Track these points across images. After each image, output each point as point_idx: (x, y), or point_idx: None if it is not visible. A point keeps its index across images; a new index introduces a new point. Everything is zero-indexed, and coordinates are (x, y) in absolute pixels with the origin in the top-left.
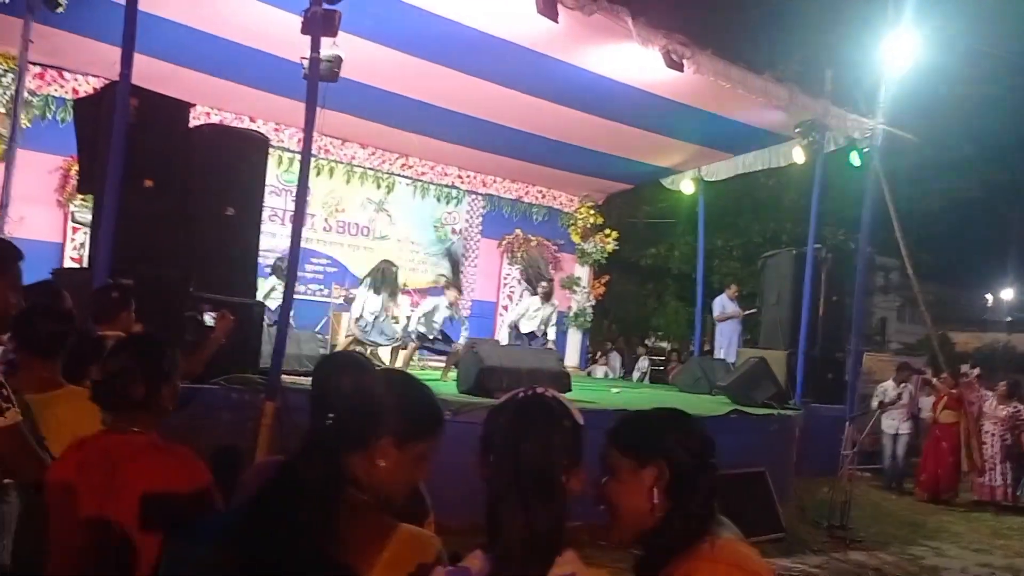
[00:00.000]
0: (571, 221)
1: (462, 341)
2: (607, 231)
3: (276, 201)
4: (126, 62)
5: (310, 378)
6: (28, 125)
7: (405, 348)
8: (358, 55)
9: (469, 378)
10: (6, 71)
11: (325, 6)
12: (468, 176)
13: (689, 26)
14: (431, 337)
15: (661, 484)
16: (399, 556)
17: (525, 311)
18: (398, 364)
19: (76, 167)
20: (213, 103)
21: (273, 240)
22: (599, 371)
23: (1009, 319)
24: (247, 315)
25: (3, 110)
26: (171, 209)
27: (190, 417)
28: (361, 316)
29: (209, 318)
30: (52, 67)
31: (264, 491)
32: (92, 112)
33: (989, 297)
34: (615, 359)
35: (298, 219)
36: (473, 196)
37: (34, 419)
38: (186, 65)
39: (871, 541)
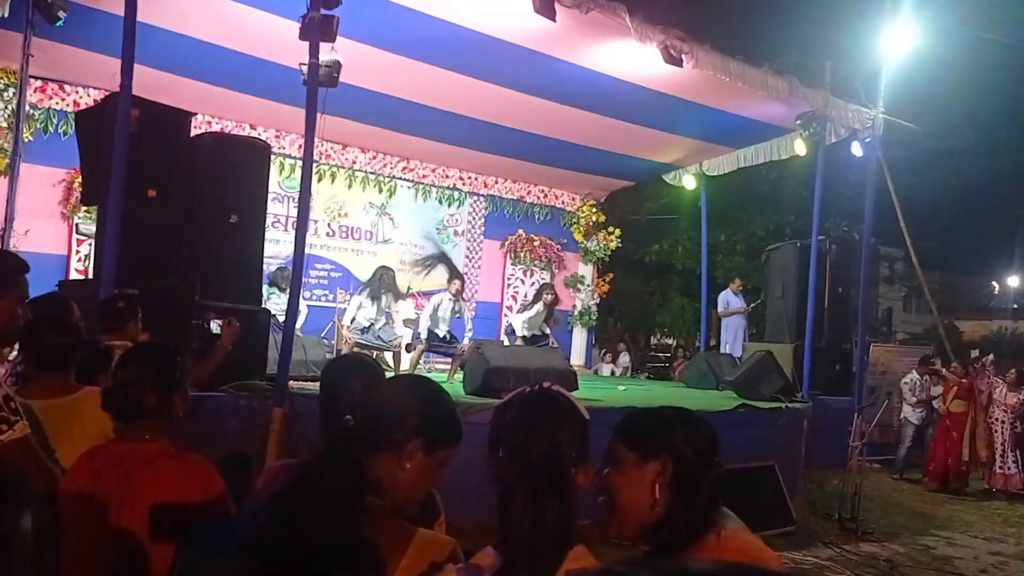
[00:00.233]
0: (573, 220)
1: (467, 341)
2: (610, 229)
3: (279, 208)
4: (126, 73)
5: (317, 382)
6: (30, 139)
7: (410, 351)
8: (357, 59)
9: (476, 379)
10: (7, 86)
11: (323, 11)
12: (469, 177)
13: (687, 21)
14: (441, 335)
15: (664, 480)
16: (417, 561)
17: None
18: (404, 367)
19: (79, 179)
20: (214, 111)
21: (277, 247)
22: (605, 369)
23: (1015, 306)
24: (253, 322)
25: (5, 124)
26: (175, 218)
27: (198, 424)
28: (354, 319)
29: (215, 326)
30: (53, 80)
31: (283, 496)
32: (93, 124)
33: (995, 285)
34: (625, 359)
35: (301, 224)
36: (475, 197)
37: (43, 431)
38: (186, 74)
39: (882, 532)
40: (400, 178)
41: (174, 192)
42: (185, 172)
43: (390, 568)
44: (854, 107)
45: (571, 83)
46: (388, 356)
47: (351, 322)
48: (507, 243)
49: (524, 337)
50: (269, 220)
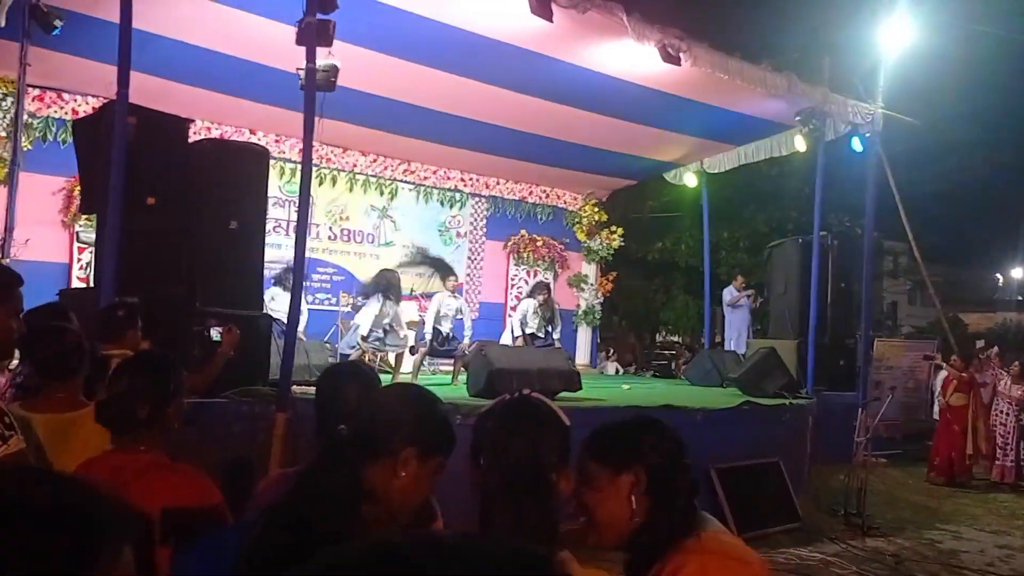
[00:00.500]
0: (576, 219)
1: (466, 342)
2: (612, 228)
3: (280, 212)
4: (122, 81)
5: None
6: (29, 147)
7: (413, 354)
8: (354, 63)
9: (479, 381)
10: (5, 95)
11: (319, 16)
12: (471, 179)
13: (684, 19)
14: (445, 333)
15: (639, 490)
16: None
17: (524, 314)
18: (408, 369)
19: (79, 188)
20: (212, 117)
21: (278, 252)
22: (610, 368)
23: (1020, 298)
24: (254, 327)
25: (4, 133)
26: (174, 225)
27: (201, 431)
28: (371, 331)
29: (216, 333)
30: (51, 89)
31: (281, 504)
32: (91, 132)
33: (999, 277)
34: (627, 358)
35: (301, 229)
36: (476, 199)
37: (40, 445)
38: (183, 81)
39: (888, 527)
40: (401, 180)
41: (173, 199)
42: (184, 179)
43: None
44: (853, 102)
45: (570, 83)
46: (391, 357)
47: (366, 336)
48: (510, 244)
49: (524, 335)
50: (270, 225)
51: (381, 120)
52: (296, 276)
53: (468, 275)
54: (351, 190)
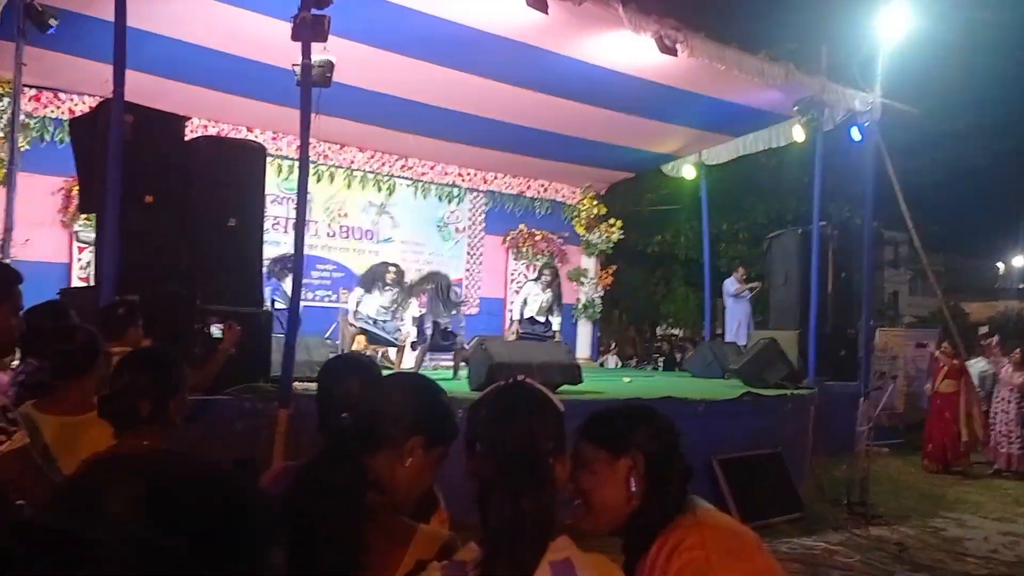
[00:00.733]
0: (575, 213)
1: (462, 335)
2: (611, 221)
3: (278, 210)
4: (118, 79)
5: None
6: (27, 148)
7: (414, 349)
8: (350, 58)
9: (480, 375)
10: (1, 95)
11: (314, 11)
12: (469, 174)
13: (680, 10)
14: (443, 325)
15: (637, 473)
16: (416, 556)
17: (526, 297)
18: (410, 363)
19: (77, 187)
20: (209, 115)
21: (277, 249)
22: (611, 361)
23: (1021, 286)
24: (254, 324)
25: (1, 134)
26: (173, 223)
27: (204, 428)
28: (357, 311)
29: (216, 330)
30: (47, 88)
31: (285, 497)
32: (88, 131)
33: (1000, 265)
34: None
35: (299, 225)
36: (475, 193)
37: (44, 441)
38: (179, 79)
39: (891, 515)
40: (399, 176)
41: (171, 197)
42: (182, 177)
43: (393, 564)
44: (851, 91)
45: (567, 76)
46: (392, 352)
47: (355, 314)
48: (509, 238)
49: (522, 319)
50: (268, 222)
51: (378, 116)
52: (296, 273)
53: (467, 270)
54: (349, 186)
